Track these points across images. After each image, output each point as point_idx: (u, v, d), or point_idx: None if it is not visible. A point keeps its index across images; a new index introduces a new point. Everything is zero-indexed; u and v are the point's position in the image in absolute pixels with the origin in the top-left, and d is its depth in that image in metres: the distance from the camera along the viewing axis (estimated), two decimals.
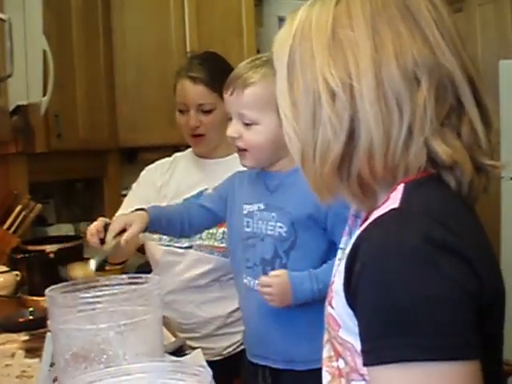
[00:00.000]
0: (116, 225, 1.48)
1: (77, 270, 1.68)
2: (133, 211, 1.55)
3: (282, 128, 1.42)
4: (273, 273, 1.43)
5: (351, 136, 0.77)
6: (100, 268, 1.50)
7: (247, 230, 1.53)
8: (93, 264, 1.46)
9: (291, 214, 1.46)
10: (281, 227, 1.47)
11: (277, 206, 1.49)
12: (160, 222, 1.57)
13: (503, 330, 0.79)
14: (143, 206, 1.59)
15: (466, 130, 0.77)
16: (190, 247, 1.89)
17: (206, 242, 1.87)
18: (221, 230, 1.83)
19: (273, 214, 1.49)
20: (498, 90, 3.07)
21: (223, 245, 1.84)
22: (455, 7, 3.35)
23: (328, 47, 0.78)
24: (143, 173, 2.03)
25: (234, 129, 1.48)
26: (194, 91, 1.88)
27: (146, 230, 1.53)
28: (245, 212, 1.54)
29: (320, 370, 1.42)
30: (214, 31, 3.05)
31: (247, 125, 1.46)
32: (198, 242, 1.88)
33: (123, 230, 1.47)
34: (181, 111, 1.93)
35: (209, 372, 0.76)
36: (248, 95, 1.44)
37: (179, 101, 1.92)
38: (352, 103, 0.76)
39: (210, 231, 1.85)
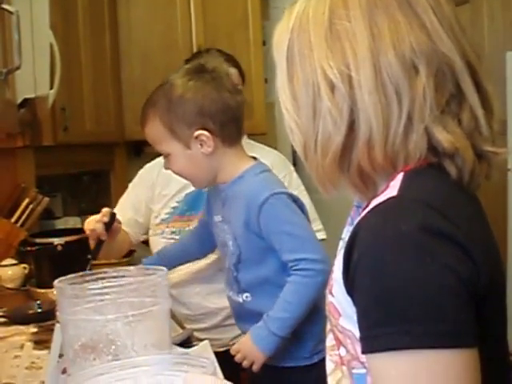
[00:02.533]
0: None
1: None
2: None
3: (189, 150, 1.47)
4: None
5: (351, 127, 0.77)
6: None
7: (219, 238, 1.59)
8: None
9: (234, 228, 1.49)
10: (229, 240, 1.51)
11: (227, 219, 1.52)
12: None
13: (505, 319, 0.79)
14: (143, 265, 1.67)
15: (467, 117, 0.77)
16: None
17: None
18: None
19: (225, 226, 1.53)
20: (505, 82, 3.06)
21: None
22: None
23: (326, 39, 0.79)
24: (141, 171, 2.06)
25: (164, 162, 1.56)
26: None
27: None
28: (214, 221, 1.59)
29: (285, 368, 1.46)
30: (219, 24, 3.04)
31: (166, 157, 1.53)
32: None
33: None
34: None
35: (213, 363, 0.77)
36: (147, 133, 1.53)
37: None
38: (351, 94, 0.77)
39: None
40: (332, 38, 0.78)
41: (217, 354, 1.47)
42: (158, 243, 1.97)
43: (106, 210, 1.64)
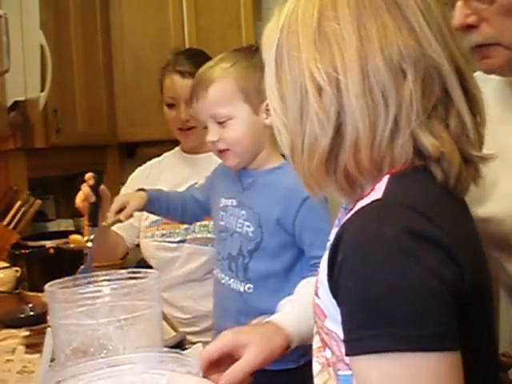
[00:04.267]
0: (115, 204, 1.57)
1: (73, 239, 1.72)
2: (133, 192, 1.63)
3: (255, 116, 1.47)
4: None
5: (338, 130, 0.77)
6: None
7: (221, 223, 1.56)
8: (91, 236, 1.59)
9: (260, 215, 1.46)
10: (248, 226, 1.48)
11: (247, 205, 1.49)
12: (159, 204, 1.64)
13: (493, 320, 0.79)
14: (143, 187, 1.63)
15: (454, 122, 0.77)
16: (183, 241, 1.90)
17: (199, 235, 1.89)
18: (212, 221, 1.85)
19: (243, 211, 1.50)
20: None
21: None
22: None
23: (314, 41, 0.78)
24: (132, 175, 2.06)
25: (211, 132, 1.49)
26: (183, 85, 1.89)
27: (143, 209, 1.61)
28: (221, 205, 1.56)
29: (272, 371, 1.46)
30: (212, 25, 3.04)
31: (222, 123, 1.47)
32: (191, 236, 1.90)
33: (122, 209, 1.57)
34: (169, 105, 1.95)
35: (197, 362, 0.76)
36: (212, 93, 1.47)
37: (168, 95, 1.95)
38: (338, 97, 0.76)
39: (203, 223, 1.87)
40: (320, 40, 0.78)
41: None
42: (148, 246, 1.96)
43: (89, 174, 1.65)
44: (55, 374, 0.87)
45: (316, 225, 1.43)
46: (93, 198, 1.62)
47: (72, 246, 1.72)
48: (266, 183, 1.49)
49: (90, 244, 1.59)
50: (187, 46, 2.96)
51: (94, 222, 1.63)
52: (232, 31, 3.07)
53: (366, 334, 0.67)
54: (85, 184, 1.64)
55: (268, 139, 1.49)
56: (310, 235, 1.44)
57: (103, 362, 0.81)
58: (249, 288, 1.48)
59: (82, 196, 1.63)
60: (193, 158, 2.01)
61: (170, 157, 2.07)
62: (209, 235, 1.86)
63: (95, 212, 1.64)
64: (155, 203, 1.62)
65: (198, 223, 1.87)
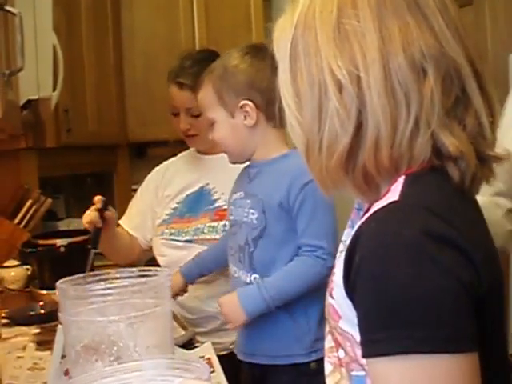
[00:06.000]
0: None
1: None
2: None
3: (232, 119, 1.50)
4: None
5: (358, 128, 0.76)
6: None
7: (231, 217, 1.58)
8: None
9: (263, 201, 1.48)
10: (253, 214, 1.50)
11: (252, 194, 1.52)
12: (191, 275, 1.77)
13: (505, 321, 0.79)
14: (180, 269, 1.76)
15: (471, 122, 0.77)
16: (190, 241, 1.91)
17: (208, 236, 1.89)
18: (222, 222, 1.86)
19: (248, 200, 1.52)
20: (508, 84, 3.05)
21: None
22: (464, 0, 3.32)
23: (333, 38, 0.77)
24: (149, 176, 2.08)
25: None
26: (181, 97, 1.91)
27: (187, 287, 1.78)
28: (231, 200, 1.59)
29: (282, 366, 1.46)
30: (222, 26, 3.04)
31: (212, 125, 1.56)
32: (200, 237, 1.90)
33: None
34: (173, 113, 1.97)
35: (208, 369, 0.76)
36: (199, 100, 1.59)
37: (170, 104, 1.97)
38: (360, 95, 0.75)
39: (212, 224, 1.88)
40: (340, 37, 0.77)
41: (218, 357, 1.47)
42: (157, 244, 1.97)
43: (97, 197, 1.70)
44: None
45: (312, 211, 1.45)
46: (99, 224, 1.68)
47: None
48: (270, 171, 1.51)
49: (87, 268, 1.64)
50: (197, 46, 2.97)
51: (94, 244, 1.69)
52: (242, 32, 3.07)
53: (384, 335, 0.67)
54: (92, 208, 1.69)
55: (262, 134, 1.51)
56: (304, 221, 1.45)
57: (110, 370, 0.81)
58: (254, 278, 1.48)
59: (89, 219, 1.68)
60: (206, 158, 2.01)
61: (185, 157, 2.08)
62: (217, 236, 1.86)
63: (97, 236, 1.69)
64: (195, 275, 1.77)
65: (208, 224, 1.88)
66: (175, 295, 1.71)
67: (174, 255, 1.93)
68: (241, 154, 1.55)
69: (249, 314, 1.44)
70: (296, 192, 1.45)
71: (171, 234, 1.93)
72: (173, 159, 2.10)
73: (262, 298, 1.43)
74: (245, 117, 1.49)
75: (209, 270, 1.77)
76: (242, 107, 1.49)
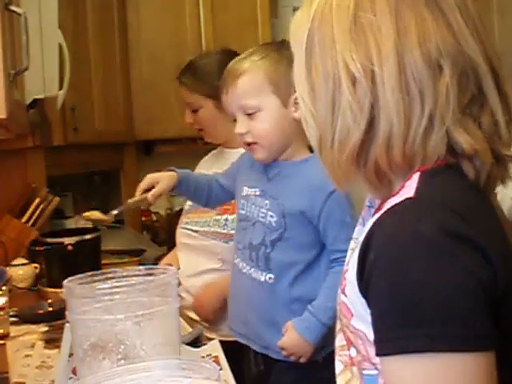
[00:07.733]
0: (145, 182, 1.61)
1: (92, 213, 1.73)
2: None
3: (284, 108, 1.47)
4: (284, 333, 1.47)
5: (371, 123, 0.76)
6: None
7: (241, 212, 1.57)
8: (114, 211, 1.63)
9: (284, 206, 1.47)
10: (272, 216, 1.49)
11: (271, 195, 1.50)
12: (188, 185, 1.66)
13: None
14: (173, 168, 1.66)
15: (487, 120, 0.76)
16: (196, 231, 1.96)
17: (212, 229, 1.93)
18: (224, 216, 1.88)
19: (266, 201, 1.51)
20: None
21: (225, 231, 1.89)
22: None
23: (349, 31, 0.76)
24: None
25: (240, 125, 1.50)
26: (181, 93, 2.06)
27: (173, 189, 1.63)
28: (243, 194, 1.58)
29: (291, 362, 1.46)
30: (228, 23, 3.04)
31: (251, 115, 1.48)
32: (205, 229, 1.94)
33: (152, 187, 1.59)
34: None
35: (217, 370, 0.76)
36: (241, 85, 1.48)
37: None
38: (373, 90, 0.75)
39: (216, 218, 1.91)
40: (356, 31, 0.76)
41: (223, 342, 1.49)
42: (178, 233, 2.04)
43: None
44: None
45: (341, 218, 1.44)
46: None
47: (87, 214, 1.72)
48: (291, 175, 1.49)
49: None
50: (204, 44, 2.97)
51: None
52: (248, 29, 3.06)
53: (399, 334, 0.66)
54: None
55: (297, 133, 1.47)
56: (336, 229, 1.45)
57: (118, 370, 0.80)
58: (269, 278, 1.49)
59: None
60: (226, 151, 2.05)
61: (212, 153, 2.15)
62: (218, 230, 1.89)
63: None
64: (184, 184, 1.65)
65: (213, 217, 1.91)
66: (145, 191, 1.60)
67: (184, 243, 2.01)
68: (279, 149, 1.51)
69: (314, 342, 1.44)
70: (322, 201, 1.44)
71: (186, 223, 2.01)
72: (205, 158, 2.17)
73: (320, 324, 1.43)
74: (295, 109, 1.43)
75: (193, 190, 1.70)
76: (295, 99, 1.45)
